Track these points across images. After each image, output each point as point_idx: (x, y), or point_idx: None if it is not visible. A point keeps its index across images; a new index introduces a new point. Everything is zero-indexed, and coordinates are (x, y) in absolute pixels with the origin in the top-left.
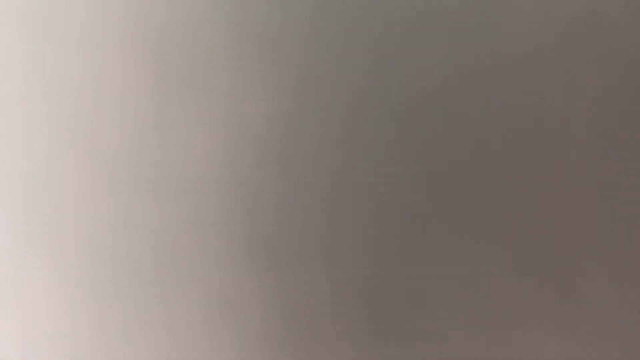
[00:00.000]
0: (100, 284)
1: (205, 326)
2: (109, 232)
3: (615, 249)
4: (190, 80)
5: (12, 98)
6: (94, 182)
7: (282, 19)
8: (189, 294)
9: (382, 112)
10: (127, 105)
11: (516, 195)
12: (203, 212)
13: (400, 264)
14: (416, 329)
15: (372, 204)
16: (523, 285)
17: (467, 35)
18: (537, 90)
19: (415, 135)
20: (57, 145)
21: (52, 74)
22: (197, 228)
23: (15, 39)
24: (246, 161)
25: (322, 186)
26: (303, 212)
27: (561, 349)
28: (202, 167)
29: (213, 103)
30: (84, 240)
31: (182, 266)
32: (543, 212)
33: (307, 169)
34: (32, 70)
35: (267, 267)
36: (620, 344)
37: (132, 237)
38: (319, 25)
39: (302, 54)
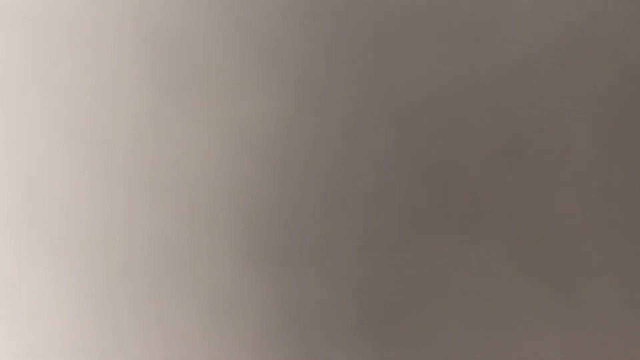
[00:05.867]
0: (98, 285)
1: (203, 327)
2: (108, 233)
3: (615, 249)
4: (189, 81)
5: (11, 98)
6: (92, 183)
7: (282, 19)
8: (187, 294)
9: (381, 112)
10: (127, 106)
11: (516, 196)
12: (202, 212)
13: (399, 265)
14: (416, 330)
15: (371, 204)
16: (523, 285)
17: (468, 37)
18: (537, 92)
19: (415, 136)
20: (55, 146)
21: (50, 75)
22: (196, 229)
23: (14, 40)
24: (245, 161)
25: (321, 187)
26: (302, 213)
27: (561, 348)
28: (201, 168)
29: (212, 103)
30: (82, 240)
31: (181, 267)
32: (543, 212)
33: (306, 169)
34: (31, 71)
35: (265, 268)
36: (621, 343)
37: (131, 238)
38: (319, 25)
39: (302, 54)
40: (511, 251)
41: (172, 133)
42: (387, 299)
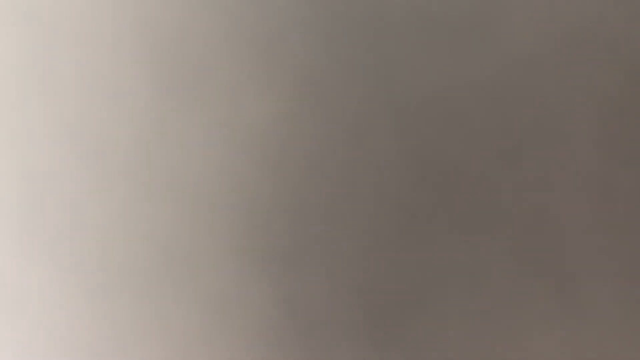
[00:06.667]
0: (98, 285)
1: (203, 327)
2: (108, 232)
3: (615, 249)
4: (189, 81)
5: (11, 99)
6: (92, 183)
7: (282, 19)
8: (188, 294)
9: (382, 112)
10: (127, 106)
11: (517, 196)
12: (202, 213)
13: (399, 265)
14: (416, 330)
15: (371, 204)
16: (524, 285)
17: (469, 37)
18: (538, 92)
19: (416, 136)
20: (55, 146)
21: (51, 76)
22: (196, 229)
23: (14, 40)
24: (246, 161)
25: (321, 187)
26: (303, 213)
27: (562, 348)
28: (201, 168)
29: (212, 103)
30: (82, 240)
31: (182, 267)
32: (543, 212)
33: (306, 169)
34: (31, 71)
35: (266, 268)
36: (621, 343)
37: (131, 238)
38: (319, 25)
39: (302, 55)
40: (512, 251)
41: (172, 133)
42: (388, 299)
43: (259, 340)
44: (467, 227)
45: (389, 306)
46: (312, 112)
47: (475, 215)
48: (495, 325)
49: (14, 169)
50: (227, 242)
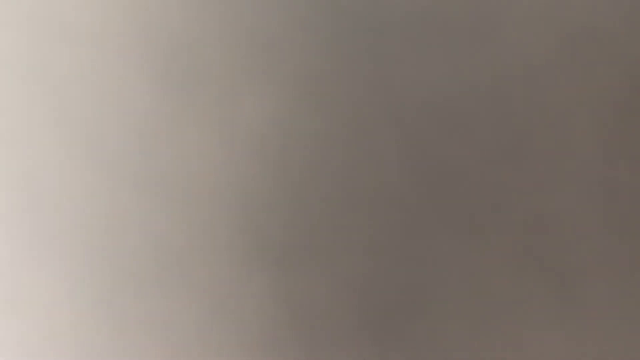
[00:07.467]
0: (100, 286)
1: (202, 327)
2: (110, 233)
3: (615, 249)
4: (191, 81)
5: (13, 99)
6: (94, 184)
7: (282, 19)
8: (187, 295)
9: (382, 112)
10: (128, 107)
11: (517, 197)
12: (202, 212)
13: (399, 265)
14: (416, 330)
15: (372, 205)
16: (523, 286)
17: (470, 37)
18: (538, 92)
19: (416, 136)
20: (58, 147)
21: (53, 76)
22: (196, 229)
23: (17, 41)
24: (246, 162)
25: (322, 187)
26: (302, 213)
27: (562, 348)
28: (202, 168)
29: (212, 103)
30: (84, 241)
31: (182, 268)
32: (544, 212)
33: (307, 169)
34: (34, 72)
35: (266, 268)
36: (620, 343)
37: (132, 239)
38: (318, 25)
39: (302, 54)
40: (512, 252)
41: (172, 133)
42: (388, 298)
43: (259, 341)
44: (468, 228)
45: (389, 306)
46: (313, 111)
47: (476, 215)
48: (495, 325)
49: (13, 168)
50: (226, 242)
